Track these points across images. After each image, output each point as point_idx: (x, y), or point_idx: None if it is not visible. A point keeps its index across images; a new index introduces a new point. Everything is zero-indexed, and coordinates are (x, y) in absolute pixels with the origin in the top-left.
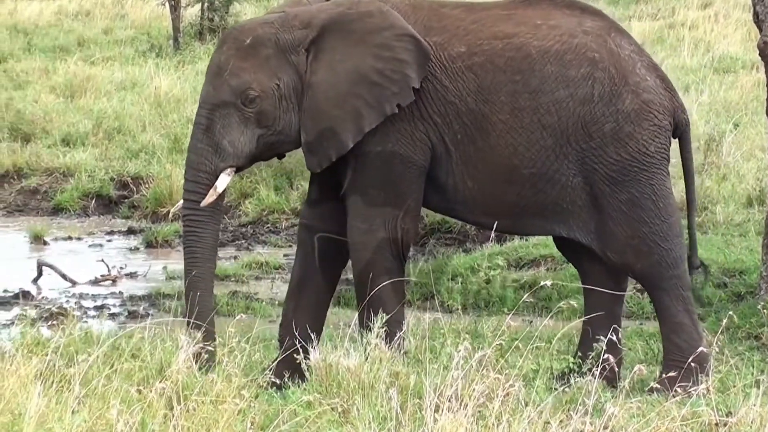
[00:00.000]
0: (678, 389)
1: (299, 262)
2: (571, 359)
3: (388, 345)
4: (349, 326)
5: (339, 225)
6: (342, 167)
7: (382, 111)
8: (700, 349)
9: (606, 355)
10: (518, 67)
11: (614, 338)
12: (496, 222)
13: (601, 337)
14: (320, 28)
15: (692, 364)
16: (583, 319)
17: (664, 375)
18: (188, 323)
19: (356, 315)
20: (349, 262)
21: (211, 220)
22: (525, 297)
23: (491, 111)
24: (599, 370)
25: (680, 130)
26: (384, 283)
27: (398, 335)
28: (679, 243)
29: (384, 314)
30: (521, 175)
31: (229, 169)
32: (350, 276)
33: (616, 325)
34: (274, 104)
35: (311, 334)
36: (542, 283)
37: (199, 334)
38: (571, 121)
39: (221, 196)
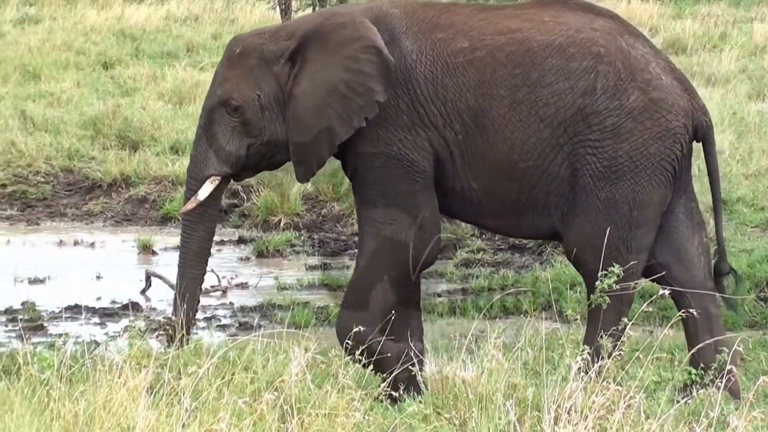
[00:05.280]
0: None
1: None
2: (694, 371)
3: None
4: (465, 337)
5: None
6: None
7: (351, 124)
8: None
9: (730, 366)
10: (519, 61)
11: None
12: (503, 223)
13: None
14: (300, 38)
15: None
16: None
17: None
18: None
19: (472, 326)
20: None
21: (197, 227)
22: (644, 306)
23: (490, 106)
24: (724, 380)
25: (701, 132)
26: (379, 290)
27: (372, 338)
28: (640, 259)
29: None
30: (520, 170)
31: (212, 177)
32: (457, 285)
33: (717, 327)
34: (257, 114)
35: (420, 344)
36: (661, 291)
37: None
38: (569, 112)
39: (210, 203)
